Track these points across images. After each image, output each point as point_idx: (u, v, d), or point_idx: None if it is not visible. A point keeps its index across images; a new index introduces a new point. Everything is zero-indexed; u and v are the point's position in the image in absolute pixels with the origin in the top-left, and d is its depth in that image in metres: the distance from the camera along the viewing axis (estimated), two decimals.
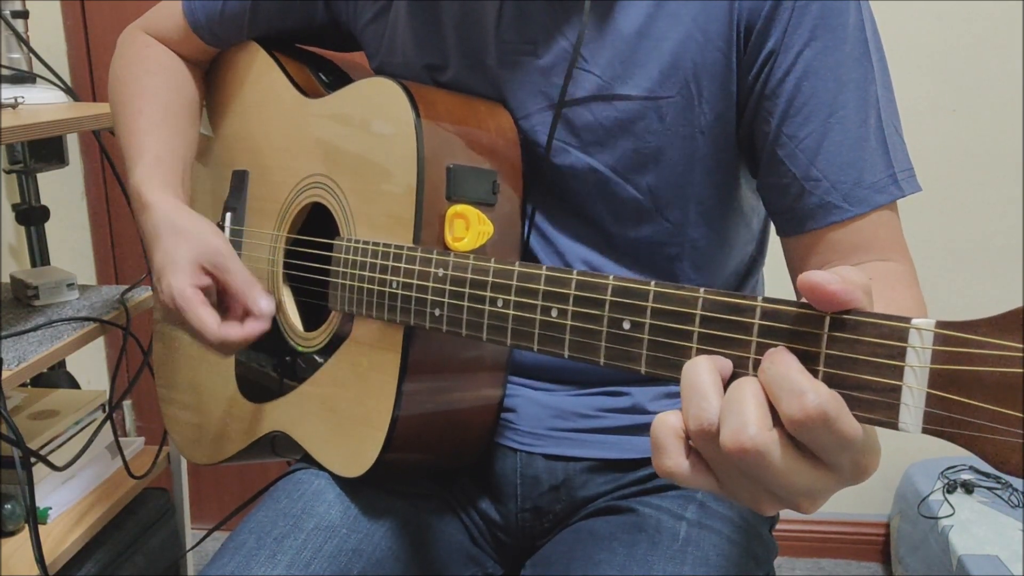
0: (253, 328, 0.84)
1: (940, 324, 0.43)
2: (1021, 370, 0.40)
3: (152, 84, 0.99)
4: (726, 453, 0.46)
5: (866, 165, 0.74)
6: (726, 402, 0.47)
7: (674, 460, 0.50)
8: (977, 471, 1.84)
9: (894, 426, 0.44)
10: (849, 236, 0.75)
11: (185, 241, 0.85)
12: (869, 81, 0.75)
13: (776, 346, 0.48)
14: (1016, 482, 1.78)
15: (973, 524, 1.68)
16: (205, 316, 0.82)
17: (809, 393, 0.44)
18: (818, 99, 0.74)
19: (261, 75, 0.99)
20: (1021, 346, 0.40)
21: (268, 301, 0.84)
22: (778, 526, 0.92)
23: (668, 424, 0.50)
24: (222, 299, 0.87)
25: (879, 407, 0.45)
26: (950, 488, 1.78)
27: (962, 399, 0.42)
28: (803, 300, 0.48)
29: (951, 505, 1.74)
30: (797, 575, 2.02)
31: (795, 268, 0.80)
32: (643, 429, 0.87)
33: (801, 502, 0.49)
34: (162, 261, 0.86)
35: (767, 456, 0.46)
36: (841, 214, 0.75)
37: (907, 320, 0.44)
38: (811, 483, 0.47)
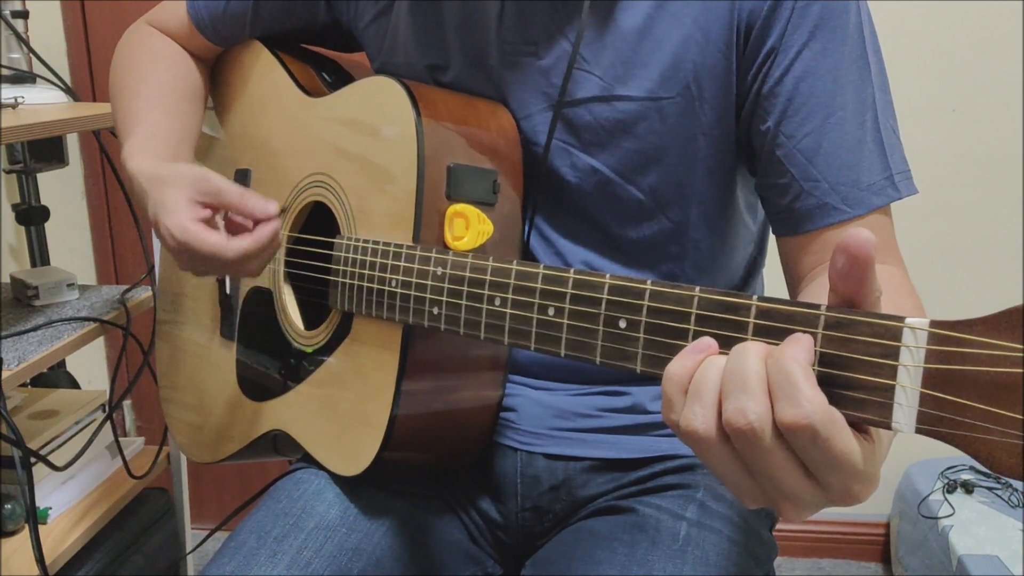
0: (264, 231, 0.80)
1: (934, 323, 0.43)
2: (1020, 370, 0.39)
3: (152, 69, 1.00)
4: (726, 426, 0.47)
5: (863, 167, 0.74)
6: (731, 373, 0.47)
7: (711, 415, 0.49)
8: (977, 471, 1.84)
9: (887, 425, 0.44)
10: None
11: (169, 186, 0.82)
12: (866, 83, 0.75)
13: (777, 343, 0.48)
14: (1016, 482, 1.78)
15: (973, 524, 1.68)
16: (212, 238, 0.79)
17: (804, 405, 0.44)
18: (817, 100, 0.74)
19: (264, 74, 0.99)
20: (1017, 346, 0.39)
21: (271, 202, 0.81)
22: (778, 526, 0.92)
23: (675, 380, 0.50)
24: (230, 229, 0.84)
25: (872, 406, 0.45)
26: (950, 488, 1.78)
27: (956, 399, 0.41)
28: (795, 300, 0.48)
29: (951, 505, 1.74)
30: (797, 575, 2.02)
31: (789, 267, 0.80)
32: (643, 429, 0.87)
33: (784, 505, 0.49)
34: (155, 210, 0.83)
35: (761, 440, 0.46)
36: (839, 215, 0.75)
37: (901, 319, 0.44)
38: (796, 489, 0.47)
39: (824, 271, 0.75)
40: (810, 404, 0.44)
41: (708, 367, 0.49)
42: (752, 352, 0.47)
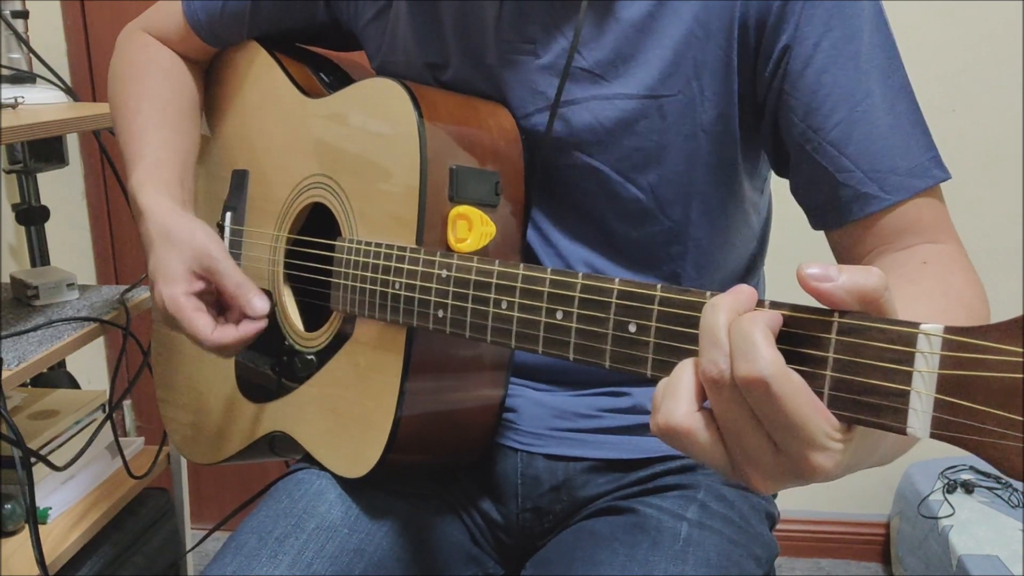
0: (248, 329, 0.84)
1: (948, 329, 0.43)
2: None
3: (151, 84, 0.99)
4: (702, 377, 0.48)
5: (899, 152, 0.73)
6: (704, 330, 0.48)
7: (684, 408, 0.50)
8: (977, 471, 1.84)
9: (902, 431, 0.44)
10: (892, 222, 0.74)
11: (175, 248, 0.85)
12: (895, 68, 0.74)
13: (786, 353, 0.48)
14: (1016, 482, 1.78)
15: (973, 524, 1.68)
16: (198, 323, 0.83)
17: (759, 360, 0.45)
18: (841, 90, 0.73)
19: (261, 74, 0.99)
20: None
21: (262, 301, 0.84)
22: (778, 526, 0.92)
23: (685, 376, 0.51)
24: (220, 300, 0.87)
25: (887, 411, 0.45)
26: (950, 488, 1.78)
27: (970, 404, 0.41)
28: (809, 306, 0.48)
29: (951, 505, 1.74)
30: (797, 575, 2.02)
31: (842, 259, 0.79)
32: (644, 429, 0.87)
33: (750, 472, 0.49)
34: (154, 269, 0.86)
35: (728, 390, 0.47)
36: (879, 203, 0.73)
37: (915, 325, 0.44)
38: (758, 450, 0.48)
39: (882, 253, 0.75)
40: (764, 360, 0.45)
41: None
42: (721, 308, 0.49)
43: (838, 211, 0.75)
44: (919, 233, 0.74)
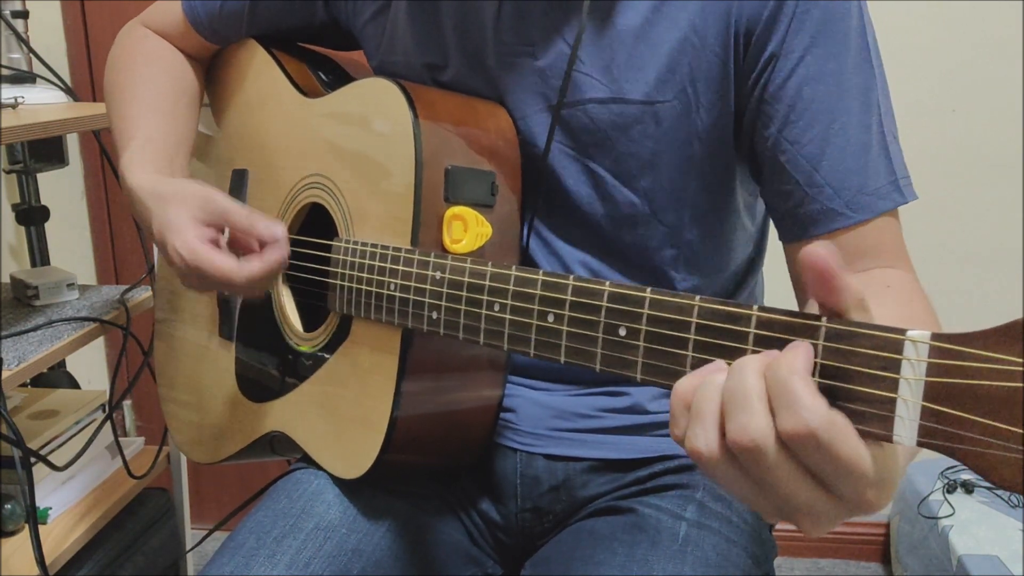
0: (273, 255, 0.81)
1: (935, 336, 0.42)
2: (1020, 384, 0.39)
3: (147, 72, 1.00)
4: (730, 444, 0.46)
5: (869, 172, 0.74)
6: (731, 392, 0.47)
7: (709, 435, 0.48)
8: None
9: (888, 438, 0.44)
10: (853, 241, 0.75)
11: (174, 205, 0.83)
12: (871, 87, 0.75)
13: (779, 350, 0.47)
14: None
15: (973, 524, 1.68)
16: (222, 262, 0.80)
17: (803, 412, 0.44)
18: (820, 105, 0.73)
19: (260, 74, 0.99)
20: (1017, 359, 0.39)
21: (279, 225, 0.82)
22: (778, 526, 0.92)
23: (679, 395, 0.50)
24: (233, 247, 0.84)
25: (873, 419, 0.44)
26: (950, 488, 1.78)
27: (957, 412, 0.41)
28: (798, 310, 0.48)
29: (951, 505, 1.74)
30: (797, 575, 2.02)
31: (798, 273, 0.79)
32: (643, 429, 0.87)
33: (801, 519, 0.48)
34: (160, 229, 0.84)
35: (765, 456, 0.45)
36: (844, 220, 0.74)
37: (902, 332, 0.44)
38: (809, 501, 0.47)
39: None
40: (808, 411, 0.44)
41: (707, 386, 0.48)
42: (750, 368, 0.47)
43: (803, 224, 0.76)
44: (878, 256, 0.75)
